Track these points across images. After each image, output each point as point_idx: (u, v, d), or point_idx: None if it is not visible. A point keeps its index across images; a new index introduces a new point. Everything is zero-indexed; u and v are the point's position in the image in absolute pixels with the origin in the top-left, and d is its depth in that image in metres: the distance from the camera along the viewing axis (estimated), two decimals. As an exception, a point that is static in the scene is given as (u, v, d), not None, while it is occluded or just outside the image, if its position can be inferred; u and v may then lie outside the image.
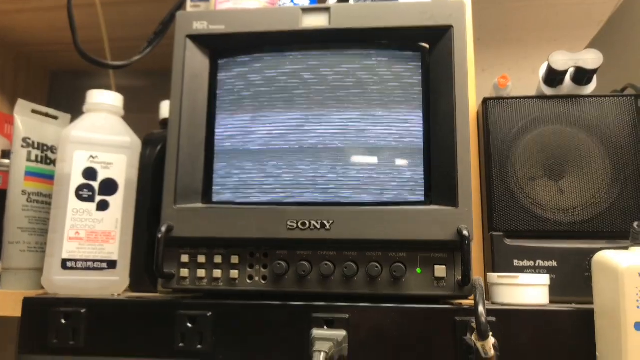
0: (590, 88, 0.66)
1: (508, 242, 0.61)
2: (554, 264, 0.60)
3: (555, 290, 0.57)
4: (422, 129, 0.56)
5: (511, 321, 0.49)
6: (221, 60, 0.59)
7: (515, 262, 0.60)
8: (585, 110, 0.64)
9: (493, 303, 0.53)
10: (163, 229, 0.53)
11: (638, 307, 0.43)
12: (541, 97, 0.65)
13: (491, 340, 0.44)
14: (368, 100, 0.56)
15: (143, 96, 0.90)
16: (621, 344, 0.43)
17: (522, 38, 1.00)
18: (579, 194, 0.62)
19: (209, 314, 0.53)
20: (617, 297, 0.44)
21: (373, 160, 0.55)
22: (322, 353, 0.44)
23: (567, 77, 0.66)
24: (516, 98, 0.66)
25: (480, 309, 0.44)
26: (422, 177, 0.55)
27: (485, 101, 0.66)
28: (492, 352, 0.45)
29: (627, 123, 0.63)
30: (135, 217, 0.64)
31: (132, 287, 0.64)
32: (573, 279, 0.59)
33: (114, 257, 0.60)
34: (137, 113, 0.81)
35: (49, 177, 0.66)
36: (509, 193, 0.62)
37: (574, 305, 0.50)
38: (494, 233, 0.61)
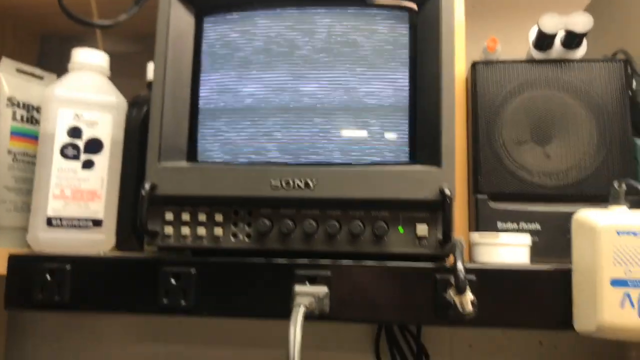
0: (580, 52, 0.65)
1: (492, 204, 0.61)
2: (538, 226, 0.60)
3: (538, 252, 0.58)
4: (408, 90, 0.55)
5: (491, 280, 0.50)
6: (206, 18, 0.58)
7: (499, 225, 0.61)
8: (574, 74, 0.64)
9: (474, 262, 0.54)
10: (147, 186, 0.53)
11: (614, 264, 0.44)
12: (530, 61, 0.65)
13: (469, 295, 0.45)
14: (355, 59, 0.56)
15: (133, 61, 0.89)
16: (596, 299, 0.44)
17: (516, 3, 0.99)
18: (565, 158, 0.62)
19: (193, 271, 0.53)
20: (594, 254, 0.44)
21: (358, 120, 0.55)
22: (302, 306, 0.45)
23: (557, 41, 0.65)
24: (505, 62, 0.65)
25: (459, 264, 0.45)
26: (407, 137, 0.54)
27: (474, 65, 0.66)
28: (469, 308, 0.45)
29: (615, 88, 0.63)
30: (121, 178, 0.64)
31: (119, 246, 0.64)
32: (556, 241, 0.60)
33: (100, 216, 0.60)
34: (127, 78, 0.80)
35: (35, 137, 0.65)
36: (495, 156, 0.63)
37: (553, 265, 0.51)
38: (479, 195, 0.62)
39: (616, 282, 0.43)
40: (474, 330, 0.87)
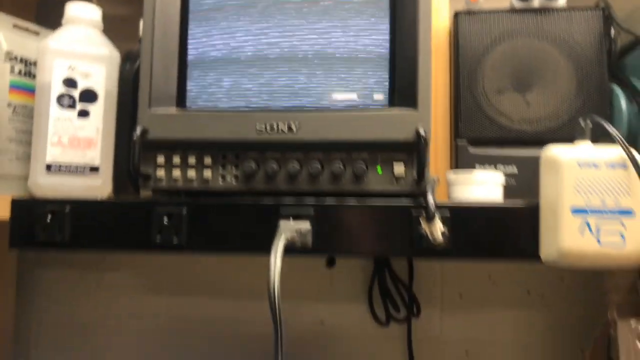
0: (561, 1, 0.66)
1: (471, 149, 0.64)
2: (515, 170, 0.63)
3: (514, 194, 0.61)
4: (388, 37, 0.57)
5: (463, 215, 0.52)
6: (193, -31, 0.60)
7: (477, 168, 0.63)
8: (555, 23, 0.65)
9: (450, 200, 0.57)
10: (138, 130, 0.56)
11: (575, 193, 0.46)
12: (511, 10, 0.66)
13: (439, 225, 0.48)
14: (336, 8, 0.57)
15: (128, 24, 0.90)
16: (558, 227, 0.46)
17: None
18: (544, 105, 0.64)
19: (184, 211, 0.56)
20: (558, 185, 0.47)
21: (340, 67, 0.57)
22: (284, 235, 0.48)
23: (539, -10, 0.66)
24: (487, 12, 0.67)
25: (429, 195, 0.47)
26: (387, 83, 0.57)
27: (457, 14, 0.67)
28: (439, 236, 0.48)
29: (594, 36, 0.65)
30: (116, 129, 0.67)
31: (116, 193, 0.67)
32: (532, 183, 0.62)
33: (96, 163, 0.63)
34: (122, 41, 0.82)
35: (33, 91, 0.68)
36: (475, 104, 0.65)
37: (523, 202, 0.53)
38: (459, 140, 0.64)
39: (576, 211, 0.46)
40: (464, 280, 0.90)
